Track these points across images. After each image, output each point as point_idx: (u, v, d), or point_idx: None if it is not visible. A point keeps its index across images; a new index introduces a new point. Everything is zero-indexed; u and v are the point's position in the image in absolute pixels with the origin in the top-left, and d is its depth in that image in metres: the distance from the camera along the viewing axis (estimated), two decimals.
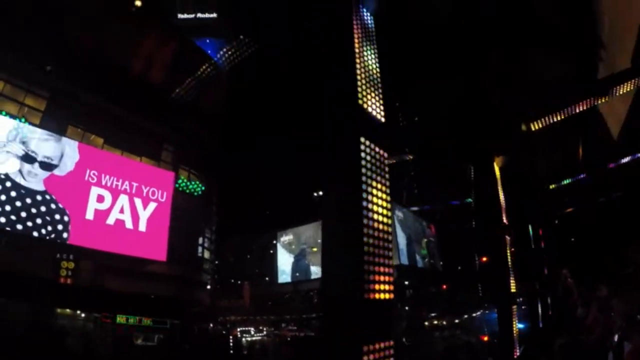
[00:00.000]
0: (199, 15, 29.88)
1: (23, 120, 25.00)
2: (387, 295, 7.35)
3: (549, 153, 25.18)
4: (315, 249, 43.29)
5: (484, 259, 42.14)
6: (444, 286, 49.19)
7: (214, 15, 29.33)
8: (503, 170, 21.57)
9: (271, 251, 50.33)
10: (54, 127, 26.41)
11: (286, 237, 48.67)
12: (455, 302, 44.31)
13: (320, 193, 41.19)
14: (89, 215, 26.07)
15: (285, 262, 47.72)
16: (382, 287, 7.31)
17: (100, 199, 26.90)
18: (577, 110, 18.07)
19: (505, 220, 20.48)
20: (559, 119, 19.27)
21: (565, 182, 27.37)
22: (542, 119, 19.56)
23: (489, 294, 37.75)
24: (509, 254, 19.36)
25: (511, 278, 18.70)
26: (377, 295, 7.12)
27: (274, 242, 49.86)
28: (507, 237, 20.23)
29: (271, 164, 36.65)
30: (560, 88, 19.37)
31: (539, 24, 17.50)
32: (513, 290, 18.49)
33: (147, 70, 30.36)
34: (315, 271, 42.95)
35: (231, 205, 38.66)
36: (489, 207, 20.92)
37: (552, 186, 27.44)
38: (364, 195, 7.26)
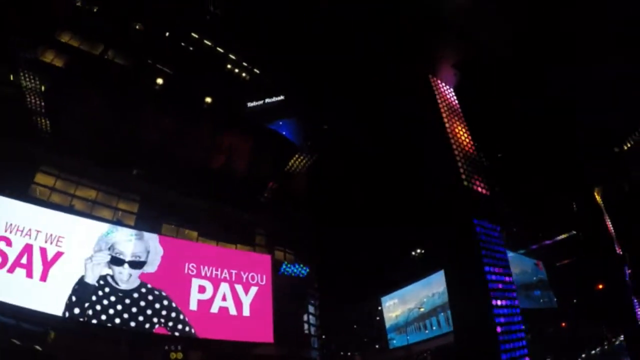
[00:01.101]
0: (267, 100, 31.53)
1: (117, 223, 26.77)
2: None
3: None
4: (422, 309, 42.13)
5: (600, 286, 39.73)
6: (563, 324, 46.31)
7: (281, 98, 30.72)
8: (605, 199, 20.69)
9: (377, 318, 49.43)
10: (147, 227, 28.05)
11: (390, 302, 47.78)
12: (577, 338, 41.45)
13: (419, 251, 40.71)
14: (193, 306, 26.81)
15: (393, 326, 46.65)
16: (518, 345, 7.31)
17: (202, 289, 27.68)
18: None
19: (618, 249, 19.46)
20: None
21: None
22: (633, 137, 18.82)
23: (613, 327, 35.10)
24: (628, 283, 18.30)
25: (637, 308, 17.60)
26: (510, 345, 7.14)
27: (379, 308, 49.02)
28: (624, 265, 19.19)
29: (365, 233, 36.59)
30: None
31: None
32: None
33: (231, 164, 31.85)
34: (426, 331, 41.68)
35: (331, 278, 38.59)
36: (597, 237, 20.01)
37: None
38: (485, 269, 7.35)
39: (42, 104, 26.55)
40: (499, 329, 7.38)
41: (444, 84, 9.15)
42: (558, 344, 41.59)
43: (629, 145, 19.28)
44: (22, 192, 25.26)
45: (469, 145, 8.46)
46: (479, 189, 7.89)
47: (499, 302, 7.33)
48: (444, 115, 8.30)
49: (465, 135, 8.61)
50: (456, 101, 9.29)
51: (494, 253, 7.32)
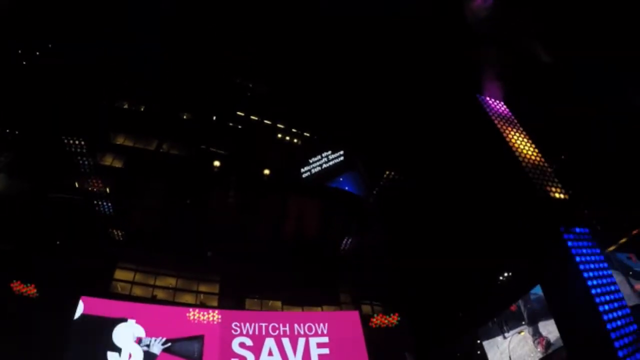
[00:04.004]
0: (325, 155, 32.07)
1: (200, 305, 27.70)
2: None
3: None
4: (523, 333, 40.20)
5: None
6: None
7: (341, 154, 31.20)
8: None
9: (478, 352, 47.28)
10: (231, 305, 28.71)
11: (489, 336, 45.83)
12: None
13: (507, 274, 39.32)
14: None
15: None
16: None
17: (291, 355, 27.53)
18: None
19: None
20: None
21: None
22: None
23: None
24: None
25: None
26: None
27: (478, 341, 46.96)
28: None
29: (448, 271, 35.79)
30: None
31: None
32: None
33: (303, 230, 32.25)
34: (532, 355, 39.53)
35: (424, 324, 37.58)
36: None
37: None
38: (581, 267, 7.28)
39: (110, 208, 28.43)
40: (612, 335, 7.14)
41: (492, 99, 9.14)
42: None
43: None
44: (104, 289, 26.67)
45: (534, 154, 8.36)
46: (556, 195, 7.75)
47: (606, 306, 7.11)
48: (500, 128, 8.26)
49: (528, 144, 8.51)
50: (509, 112, 9.25)
51: (590, 257, 7.13)
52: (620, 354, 6.92)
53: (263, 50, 29.82)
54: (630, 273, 39.08)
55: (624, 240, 42.43)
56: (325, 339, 29.06)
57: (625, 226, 41.74)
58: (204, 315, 26.70)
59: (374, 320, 32.63)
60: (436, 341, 39.87)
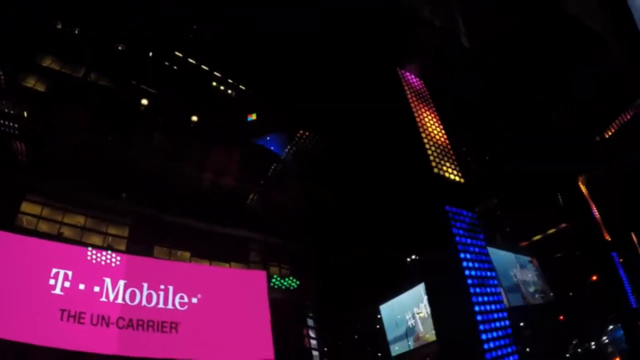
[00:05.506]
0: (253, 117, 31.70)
1: (107, 248, 26.59)
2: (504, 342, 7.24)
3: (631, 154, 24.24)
4: (421, 313, 42.11)
5: (594, 278, 40.06)
6: (561, 317, 46.58)
7: (268, 112, 30.92)
8: (590, 186, 20.97)
9: (377, 326, 49.23)
10: (139, 250, 27.93)
11: (389, 309, 47.71)
12: (578, 330, 41.61)
13: (414, 257, 40.71)
14: (190, 327, 26.27)
15: (393, 334, 46.52)
16: (502, 343, 7.23)
17: (198, 309, 27.24)
18: None
19: (607, 236, 19.73)
20: (628, 118, 18.81)
21: None
22: (614, 124, 19.12)
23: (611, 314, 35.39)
24: (620, 269, 18.54)
25: (629, 293, 17.87)
26: (493, 344, 7.05)
27: (378, 316, 48.89)
28: (614, 253, 19.43)
29: (359, 238, 36.55)
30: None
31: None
32: (634, 306, 17.55)
33: (222, 182, 31.84)
34: (427, 335, 41.63)
35: (329, 290, 38.49)
36: (586, 227, 20.29)
37: None
38: (461, 255, 7.37)
39: (16, 126, 26.32)
40: (480, 327, 7.15)
41: (410, 74, 9.23)
42: (558, 337, 41.76)
43: (609, 133, 19.65)
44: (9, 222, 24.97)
45: (440, 134, 8.54)
46: (452, 177, 7.98)
47: (479, 298, 7.15)
48: (412, 104, 8.38)
49: (437, 124, 8.68)
50: (425, 90, 9.35)
51: (472, 240, 7.26)
52: (488, 356, 6.95)
53: None
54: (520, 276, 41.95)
55: (525, 243, 45.27)
56: (228, 296, 28.95)
57: (530, 232, 44.44)
58: (103, 256, 25.71)
59: (274, 281, 32.90)
60: (338, 308, 41.11)
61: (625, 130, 19.38)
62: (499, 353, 7.01)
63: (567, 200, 24.60)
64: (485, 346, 7.10)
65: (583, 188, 20.52)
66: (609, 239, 19.73)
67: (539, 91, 18.21)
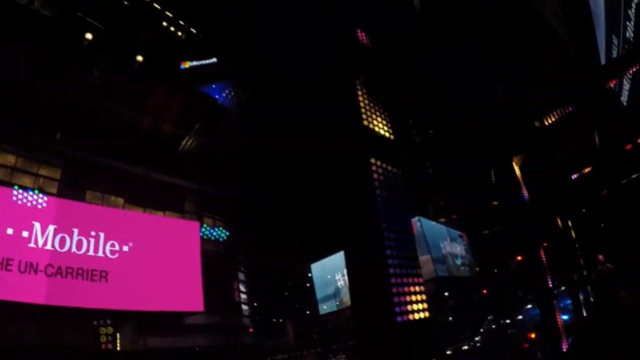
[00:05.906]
0: (199, 62, 30.80)
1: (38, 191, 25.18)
2: (421, 315, 7.24)
3: (567, 145, 25.13)
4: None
5: (519, 258, 41.87)
6: (484, 291, 48.68)
7: (214, 60, 30.03)
8: (523, 169, 21.54)
9: (307, 284, 50.03)
10: (71, 194, 26.78)
11: (320, 268, 48.40)
12: (499, 305, 43.69)
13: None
14: (120, 276, 25.40)
15: (323, 293, 47.38)
16: (414, 307, 7.21)
17: (128, 258, 26.42)
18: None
19: (533, 217, 20.45)
20: (569, 110, 19.37)
21: (587, 170, 27.09)
22: (554, 113, 19.64)
23: (529, 293, 37.34)
24: (541, 251, 19.28)
25: (547, 274, 18.64)
26: (410, 317, 7.03)
27: (309, 275, 49.61)
28: (538, 234, 20.20)
29: (294, 197, 36.66)
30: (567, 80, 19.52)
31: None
32: (550, 285, 18.37)
33: (158, 125, 30.97)
34: (346, 298, 42.73)
35: (261, 245, 38.68)
36: (515, 207, 20.91)
37: (574, 176, 27.15)
38: (383, 214, 7.31)
39: None
40: (392, 280, 6.99)
41: (364, 33, 9.06)
42: (481, 308, 43.75)
43: (549, 121, 20.18)
44: None
45: (377, 90, 8.38)
46: (381, 132, 7.92)
47: (393, 252, 6.98)
48: (351, 52, 8.23)
49: (375, 78, 8.54)
50: (369, 44, 9.11)
51: (391, 197, 7.15)
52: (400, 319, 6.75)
53: None
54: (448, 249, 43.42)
55: (455, 217, 46.65)
56: (161, 246, 28.33)
57: (462, 207, 45.78)
58: (31, 197, 24.54)
59: (204, 231, 32.88)
60: (270, 264, 41.55)
61: (563, 121, 20.06)
62: (410, 317, 6.92)
63: (499, 179, 25.45)
64: (397, 309, 7.03)
65: (517, 169, 21.03)
66: (535, 221, 20.44)
67: (491, 66, 18.51)
